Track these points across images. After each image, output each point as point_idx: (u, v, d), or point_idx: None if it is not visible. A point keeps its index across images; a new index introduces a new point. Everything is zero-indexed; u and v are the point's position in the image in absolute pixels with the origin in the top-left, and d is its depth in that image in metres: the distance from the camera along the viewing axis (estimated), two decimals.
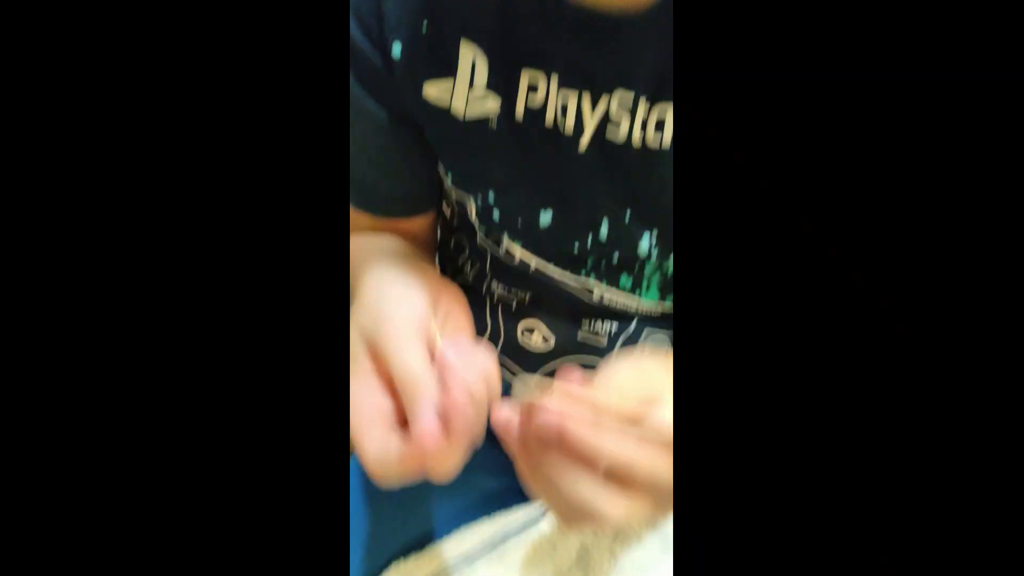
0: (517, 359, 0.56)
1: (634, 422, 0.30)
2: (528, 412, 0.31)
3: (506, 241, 0.49)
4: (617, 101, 0.39)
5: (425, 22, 0.40)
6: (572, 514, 0.31)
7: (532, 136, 0.41)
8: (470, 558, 0.49)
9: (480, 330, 0.56)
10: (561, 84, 0.40)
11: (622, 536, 0.50)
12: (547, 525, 0.50)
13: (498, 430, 0.33)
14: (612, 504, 0.30)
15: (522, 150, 0.42)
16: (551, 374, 0.56)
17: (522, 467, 0.33)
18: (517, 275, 0.50)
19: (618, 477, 0.30)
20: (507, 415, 0.32)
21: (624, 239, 0.45)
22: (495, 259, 0.51)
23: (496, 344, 0.56)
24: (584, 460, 0.30)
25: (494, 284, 0.53)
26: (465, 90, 0.41)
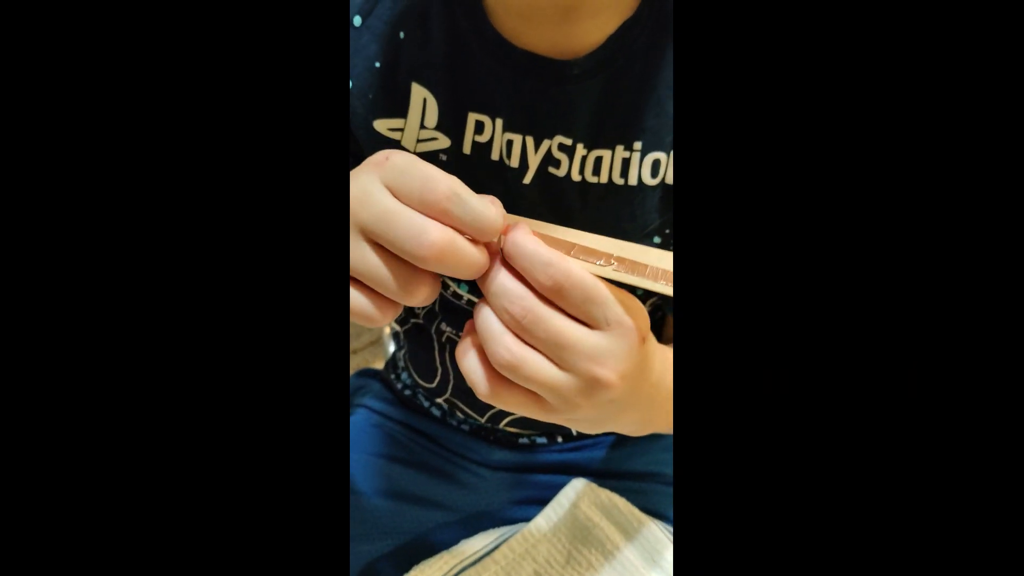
0: (467, 402, 0.58)
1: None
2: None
3: (452, 286, 0.51)
4: (557, 145, 0.43)
5: (378, 64, 0.43)
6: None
7: (479, 168, 0.44)
8: None
9: (431, 373, 0.59)
10: (506, 128, 0.43)
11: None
12: (501, 555, 0.52)
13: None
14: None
15: (470, 181, 0.44)
16: (497, 415, 0.58)
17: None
18: (465, 315, 0.52)
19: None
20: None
21: None
22: (444, 299, 0.53)
23: (446, 387, 0.58)
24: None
25: (443, 325, 0.54)
26: (416, 129, 0.44)
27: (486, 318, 0.31)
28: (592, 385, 0.31)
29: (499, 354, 0.31)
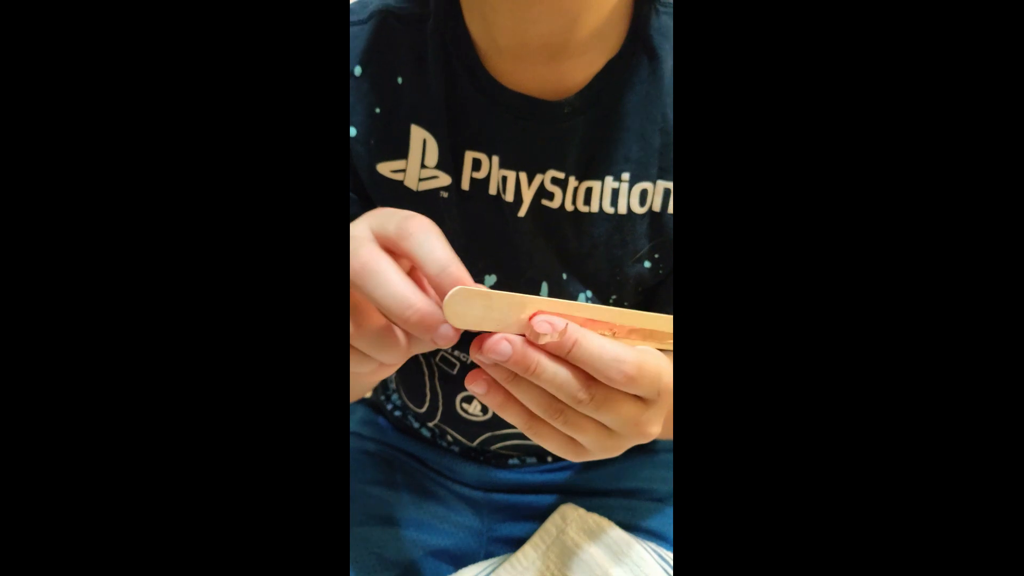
0: (457, 428, 0.58)
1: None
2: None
3: None
4: (550, 179, 0.45)
5: (378, 109, 0.45)
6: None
7: (478, 202, 0.46)
8: None
9: (420, 397, 0.59)
10: (501, 165, 0.45)
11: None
12: None
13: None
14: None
15: (469, 215, 0.47)
16: (488, 440, 0.58)
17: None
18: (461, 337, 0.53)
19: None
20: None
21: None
22: None
23: (435, 413, 0.58)
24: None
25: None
26: (417, 168, 0.46)
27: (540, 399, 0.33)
28: (639, 438, 0.34)
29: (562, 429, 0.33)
